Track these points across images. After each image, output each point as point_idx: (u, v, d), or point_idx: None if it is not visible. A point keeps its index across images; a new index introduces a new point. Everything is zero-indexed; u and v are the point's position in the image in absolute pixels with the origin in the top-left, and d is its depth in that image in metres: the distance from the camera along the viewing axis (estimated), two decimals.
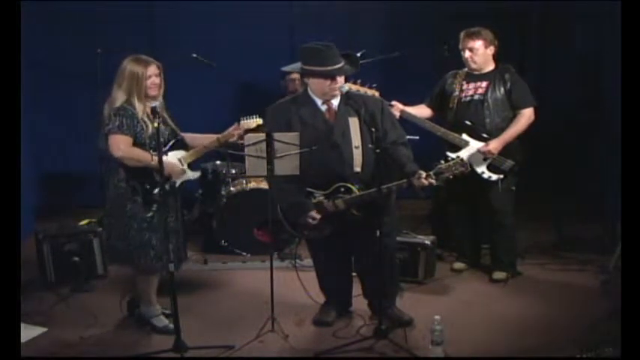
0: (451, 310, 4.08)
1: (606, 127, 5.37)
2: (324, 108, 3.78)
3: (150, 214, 3.73)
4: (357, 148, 3.74)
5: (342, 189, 3.71)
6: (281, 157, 3.63)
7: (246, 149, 3.69)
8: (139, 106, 3.69)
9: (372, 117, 3.74)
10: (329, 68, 3.66)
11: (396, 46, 5.29)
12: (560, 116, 4.73)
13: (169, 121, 3.87)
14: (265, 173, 3.70)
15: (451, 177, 3.71)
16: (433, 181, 3.66)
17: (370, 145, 3.69)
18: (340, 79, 3.72)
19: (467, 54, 4.53)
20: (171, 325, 3.75)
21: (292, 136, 3.62)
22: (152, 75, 3.70)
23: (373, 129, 3.57)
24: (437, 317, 3.51)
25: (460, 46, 4.56)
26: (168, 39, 6.10)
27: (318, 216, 3.73)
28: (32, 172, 5.91)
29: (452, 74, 4.70)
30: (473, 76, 4.59)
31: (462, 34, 4.55)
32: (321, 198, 3.74)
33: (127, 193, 3.72)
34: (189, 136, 3.98)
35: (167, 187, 3.74)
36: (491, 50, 4.55)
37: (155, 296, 3.94)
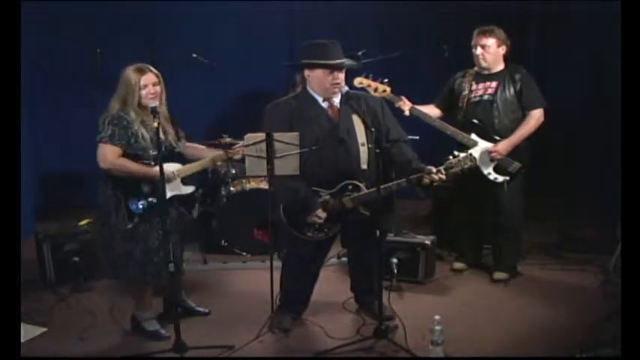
0: (451, 310, 4.08)
1: (606, 127, 5.37)
2: (325, 105, 3.74)
3: (130, 226, 3.58)
4: (363, 145, 3.70)
5: (350, 187, 3.67)
6: (281, 157, 3.62)
7: (246, 149, 3.68)
8: (134, 116, 3.57)
9: (373, 116, 3.72)
10: (331, 62, 3.63)
11: (396, 46, 5.29)
12: (560, 116, 4.76)
13: (170, 131, 3.73)
14: (265, 173, 3.69)
15: (460, 172, 3.70)
16: (443, 176, 3.65)
17: (370, 146, 3.67)
18: (341, 75, 3.67)
19: (478, 51, 4.49)
20: (163, 331, 3.75)
21: (292, 136, 3.61)
22: (148, 84, 3.57)
23: (373, 129, 3.55)
24: (437, 317, 3.51)
25: (472, 43, 4.52)
26: (168, 39, 6.10)
27: (324, 215, 3.65)
28: (32, 172, 5.90)
29: (461, 74, 4.67)
30: (482, 76, 4.56)
31: (475, 32, 4.51)
32: (327, 197, 3.68)
33: (113, 202, 3.60)
34: (191, 147, 3.89)
35: (153, 200, 3.60)
36: (502, 50, 4.51)
37: (150, 301, 3.87)
